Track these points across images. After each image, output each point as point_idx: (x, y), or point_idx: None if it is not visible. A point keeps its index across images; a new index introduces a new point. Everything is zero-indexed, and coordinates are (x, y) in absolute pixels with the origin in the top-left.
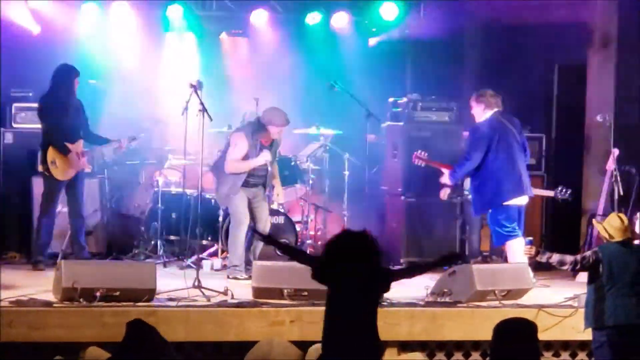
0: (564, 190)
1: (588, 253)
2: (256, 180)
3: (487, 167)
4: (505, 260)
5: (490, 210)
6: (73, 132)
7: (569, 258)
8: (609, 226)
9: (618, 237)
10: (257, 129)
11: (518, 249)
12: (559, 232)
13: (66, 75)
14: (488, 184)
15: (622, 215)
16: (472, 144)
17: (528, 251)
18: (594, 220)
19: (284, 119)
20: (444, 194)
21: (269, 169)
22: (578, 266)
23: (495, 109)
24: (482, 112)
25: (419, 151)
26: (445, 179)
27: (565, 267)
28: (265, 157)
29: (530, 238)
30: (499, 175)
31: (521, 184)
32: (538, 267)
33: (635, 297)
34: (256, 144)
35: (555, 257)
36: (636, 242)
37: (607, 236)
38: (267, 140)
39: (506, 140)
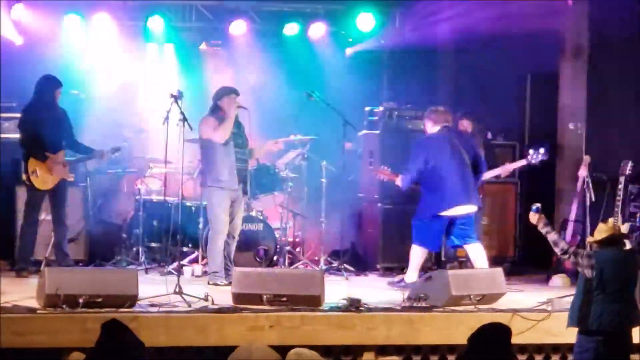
0: (535, 153)
1: (583, 258)
2: (240, 165)
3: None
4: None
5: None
6: (54, 142)
7: (563, 244)
8: (596, 233)
9: (605, 234)
10: (213, 109)
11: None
12: (532, 237)
13: (47, 86)
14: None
15: (608, 221)
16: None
17: (533, 217)
18: (588, 239)
19: (228, 88)
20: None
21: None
22: (567, 257)
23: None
24: (431, 127)
25: (383, 167)
26: (399, 181)
27: (557, 250)
28: (235, 104)
29: (538, 205)
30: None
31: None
32: (511, 272)
33: (622, 303)
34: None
35: (553, 236)
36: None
37: (595, 242)
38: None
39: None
